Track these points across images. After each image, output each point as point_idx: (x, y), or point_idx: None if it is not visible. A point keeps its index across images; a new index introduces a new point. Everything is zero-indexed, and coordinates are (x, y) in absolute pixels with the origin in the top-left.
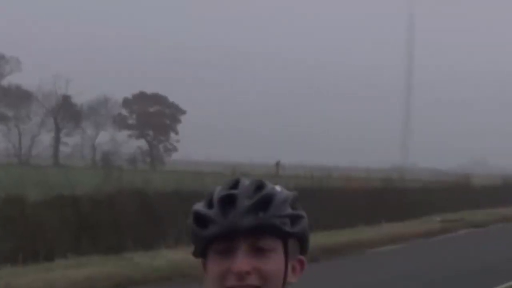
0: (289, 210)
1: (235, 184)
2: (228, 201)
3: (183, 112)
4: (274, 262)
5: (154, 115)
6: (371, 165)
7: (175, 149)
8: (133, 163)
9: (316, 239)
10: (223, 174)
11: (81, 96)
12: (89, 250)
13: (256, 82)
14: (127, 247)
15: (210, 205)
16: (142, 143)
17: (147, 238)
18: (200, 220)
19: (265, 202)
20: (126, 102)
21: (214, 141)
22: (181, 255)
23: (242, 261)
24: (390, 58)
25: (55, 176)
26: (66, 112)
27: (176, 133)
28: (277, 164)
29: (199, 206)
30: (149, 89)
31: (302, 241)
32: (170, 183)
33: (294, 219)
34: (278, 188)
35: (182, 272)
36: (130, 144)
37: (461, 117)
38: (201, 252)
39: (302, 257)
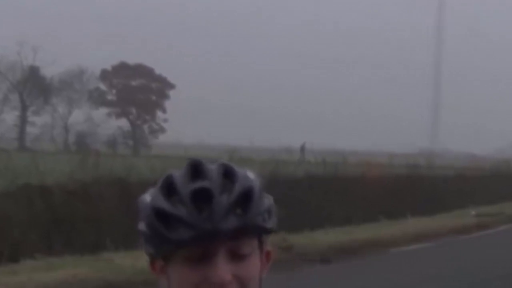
0: (266, 202)
1: (199, 171)
2: (202, 197)
3: (172, 86)
4: (253, 266)
5: (137, 90)
6: (395, 149)
7: (162, 130)
8: (113, 147)
9: (328, 237)
10: (219, 159)
11: (51, 68)
12: (61, 249)
13: (259, 53)
14: (106, 246)
15: (171, 195)
16: (123, 123)
17: (130, 236)
18: (166, 219)
19: (246, 199)
20: (104, 75)
21: (209, 121)
22: None
23: (223, 270)
24: (418, 27)
25: (21, 162)
26: (33, 86)
27: (164, 111)
28: (302, 148)
29: (159, 200)
30: (132, 60)
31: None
32: (156, 171)
33: (272, 210)
34: (250, 174)
35: None
36: (109, 124)
37: (500, 95)
38: (163, 255)
39: (269, 249)
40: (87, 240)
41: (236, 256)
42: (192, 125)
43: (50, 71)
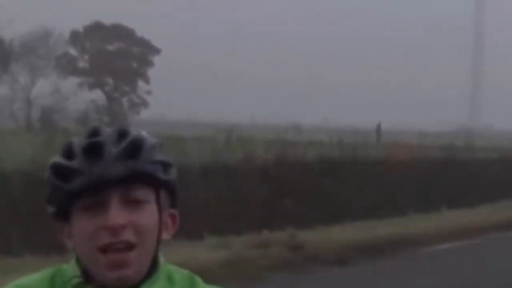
0: (160, 156)
1: (97, 132)
2: (93, 150)
3: (156, 51)
4: (149, 215)
5: (115, 55)
6: (427, 128)
7: (144, 104)
8: (85, 124)
9: (345, 234)
10: (214, 139)
11: (11, 29)
12: (22, 248)
13: (263, 12)
14: None
15: (70, 156)
16: (97, 95)
17: None
18: (62, 173)
19: (135, 148)
20: (74, 37)
21: (201, 93)
22: None
23: (116, 214)
24: None
25: None
26: None
27: (147, 81)
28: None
29: (56, 159)
30: (108, 19)
31: (173, 192)
32: None
33: (166, 166)
34: (144, 132)
35: None
36: (80, 97)
37: None
38: (63, 213)
39: (174, 210)
40: (54, 237)
41: (131, 203)
42: (180, 99)
43: (9, 32)
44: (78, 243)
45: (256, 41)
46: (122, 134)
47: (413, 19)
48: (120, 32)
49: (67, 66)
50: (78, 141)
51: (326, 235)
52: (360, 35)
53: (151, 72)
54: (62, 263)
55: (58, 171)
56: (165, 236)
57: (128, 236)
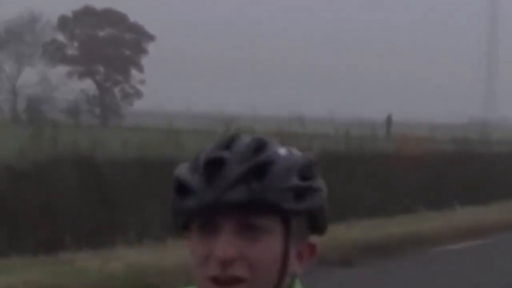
0: (294, 181)
1: (230, 143)
2: (214, 166)
3: (150, 37)
4: (268, 247)
5: (106, 42)
6: (439, 119)
7: (138, 94)
8: (74, 116)
9: (352, 233)
10: (212, 132)
11: None
12: (8, 248)
13: None
14: (65, 244)
15: (196, 168)
16: (88, 85)
17: (96, 231)
18: (180, 187)
19: (261, 169)
20: (63, 23)
21: (199, 83)
22: (146, 256)
23: (226, 244)
24: None
25: None
26: None
27: (140, 70)
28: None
29: (182, 170)
30: (99, 3)
31: (314, 220)
32: (130, 147)
33: (302, 192)
34: (283, 150)
35: (146, 280)
36: (69, 86)
37: None
38: (183, 226)
39: (313, 241)
40: (42, 236)
41: (247, 232)
42: (177, 88)
43: None
44: (193, 265)
45: (256, 28)
46: (258, 148)
47: (425, 8)
48: (112, 18)
49: (55, 54)
50: (208, 151)
51: (331, 234)
52: (369, 22)
53: (145, 60)
54: (50, 264)
55: (177, 184)
56: (297, 270)
57: (238, 270)
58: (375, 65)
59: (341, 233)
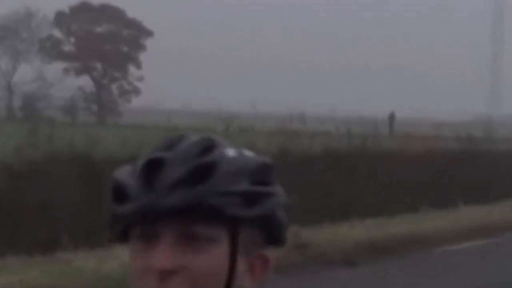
0: (242, 185)
1: (174, 143)
2: (153, 168)
3: (149, 33)
4: (212, 259)
5: (104, 38)
6: (443, 117)
7: (136, 91)
8: (71, 114)
9: (354, 232)
10: (212, 130)
11: None
12: (4, 248)
13: None
14: (62, 244)
15: (134, 171)
16: (85, 81)
17: (93, 231)
18: (116, 191)
19: (204, 171)
20: (60, 19)
21: (198, 80)
22: None
23: (164, 255)
24: None
25: None
26: None
27: (138, 66)
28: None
29: (122, 172)
30: None
31: (268, 229)
32: (128, 145)
33: (251, 197)
34: (231, 152)
35: None
36: (66, 83)
37: None
38: (122, 235)
39: (264, 253)
40: (38, 236)
41: (188, 241)
42: (175, 85)
43: None
44: (132, 279)
45: (259, 23)
46: (205, 149)
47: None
48: (109, 13)
49: (51, 50)
50: (148, 153)
51: (334, 233)
52: (371, 19)
53: (143, 57)
54: (47, 264)
55: (114, 188)
56: (247, 285)
57: (177, 284)
58: (378, 62)
59: (343, 233)
